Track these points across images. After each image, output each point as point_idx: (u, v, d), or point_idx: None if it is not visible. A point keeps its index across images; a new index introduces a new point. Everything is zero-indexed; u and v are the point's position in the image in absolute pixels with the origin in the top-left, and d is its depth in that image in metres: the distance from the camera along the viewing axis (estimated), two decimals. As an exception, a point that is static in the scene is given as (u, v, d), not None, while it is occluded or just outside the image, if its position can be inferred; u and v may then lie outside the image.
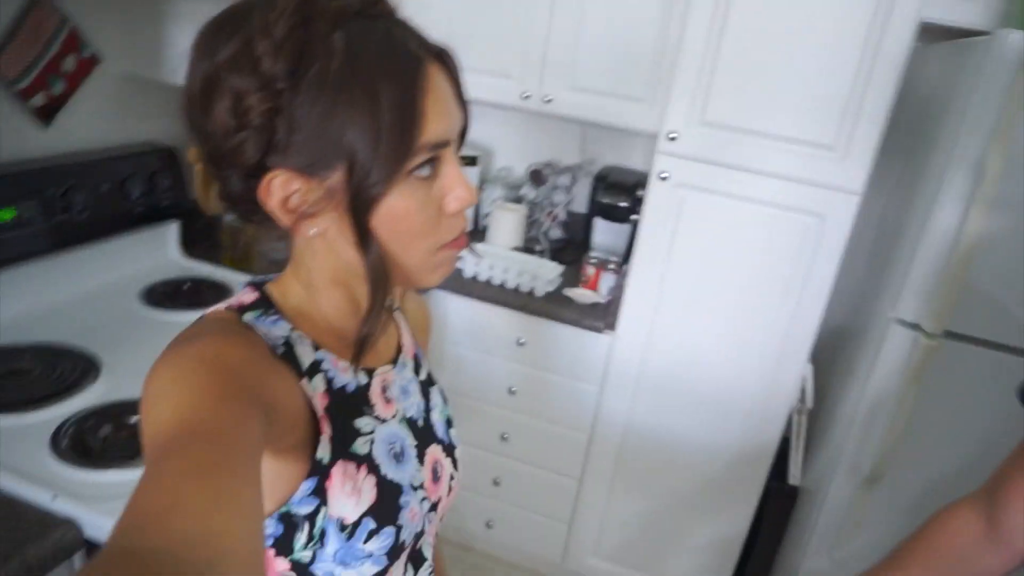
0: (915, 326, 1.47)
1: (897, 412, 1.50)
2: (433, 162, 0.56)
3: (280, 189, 0.54)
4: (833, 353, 1.90)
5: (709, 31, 1.57)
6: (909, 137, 1.68)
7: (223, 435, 0.43)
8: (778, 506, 1.88)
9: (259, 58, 0.50)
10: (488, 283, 1.95)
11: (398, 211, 0.55)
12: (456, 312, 1.95)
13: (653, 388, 1.87)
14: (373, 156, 0.52)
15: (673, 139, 1.66)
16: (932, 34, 1.74)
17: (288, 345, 0.59)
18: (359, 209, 0.54)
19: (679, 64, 1.61)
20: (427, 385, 0.77)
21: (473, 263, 1.96)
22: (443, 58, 0.57)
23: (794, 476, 1.86)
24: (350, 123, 0.51)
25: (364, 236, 0.55)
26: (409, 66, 0.53)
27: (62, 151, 1.55)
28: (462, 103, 0.59)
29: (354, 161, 0.52)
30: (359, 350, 0.59)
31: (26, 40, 1.41)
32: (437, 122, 0.54)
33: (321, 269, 0.61)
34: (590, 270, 1.99)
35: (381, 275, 0.57)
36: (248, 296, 0.61)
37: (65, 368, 1.21)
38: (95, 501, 0.92)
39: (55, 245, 1.43)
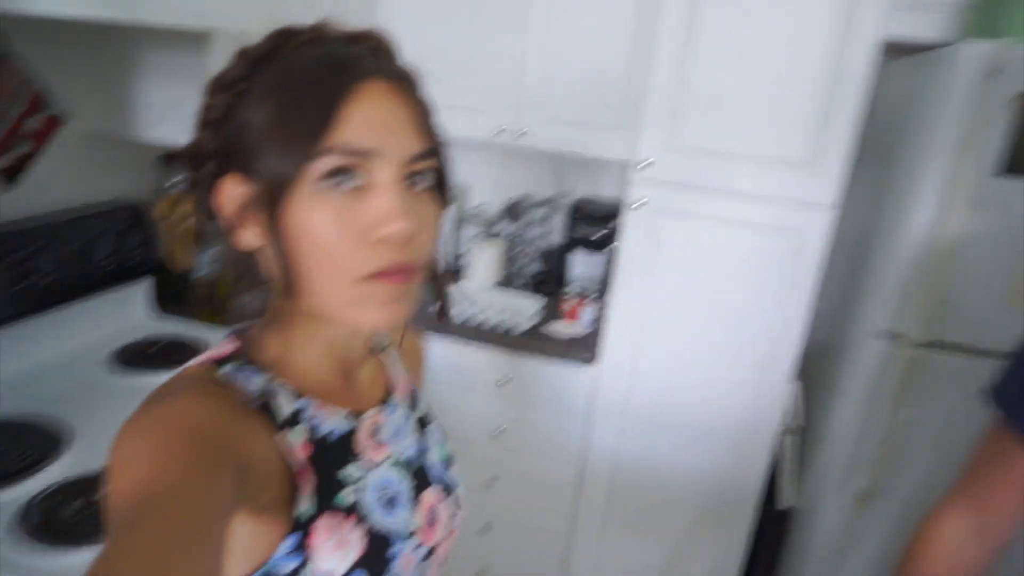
0: (896, 336, 1.47)
1: (884, 424, 1.49)
2: (354, 175, 0.53)
3: (227, 194, 0.56)
4: (817, 370, 1.89)
5: (677, 57, 1.58)
6: (880, 150, 1.70)
7: (188, 502, 0.42)
8: (772, 530, 1.85)
9: (231, 66, 0.56)
10: (466, 322, 1.92)
11: (305, 221, 0.52)
12: (436, 353, 1.92)
13: (640, 418, 1.84)
14: (279, 149, 0.52)
15: (647, 166, 1.66)
16: (896, 49, 1.78)
17: (264, 397, 0.57)
18: (266, 207, 0.53)
19: (650, 90, 1.63)
20: (424, 423, 0.75)
21: (455, 303, 1.94)
22: (404, 83, 0.56)
23: (786, 499, 1.83)
24: (268, 120, 0.53)
25: (274, 241, 0.53)
26: (342, 76, 0.53)
27: (27, 212, 1.51)
28: (424, 132, 0.57)
29: (264, 155, 0.52)
30: None
31: (-13, 103, 1.38)
32: (358, 130, 0.52)
33: (292, 310, 0.59)
34: (570, 302, 1.97)
35: (291, 285, 0.55)
36: (226, 347, 0.59)
37: (32, 441, 1.16)
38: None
39: (21, 312, 1.38)
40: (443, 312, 0.67)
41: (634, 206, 1.69)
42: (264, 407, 0.56)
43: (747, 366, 1.73)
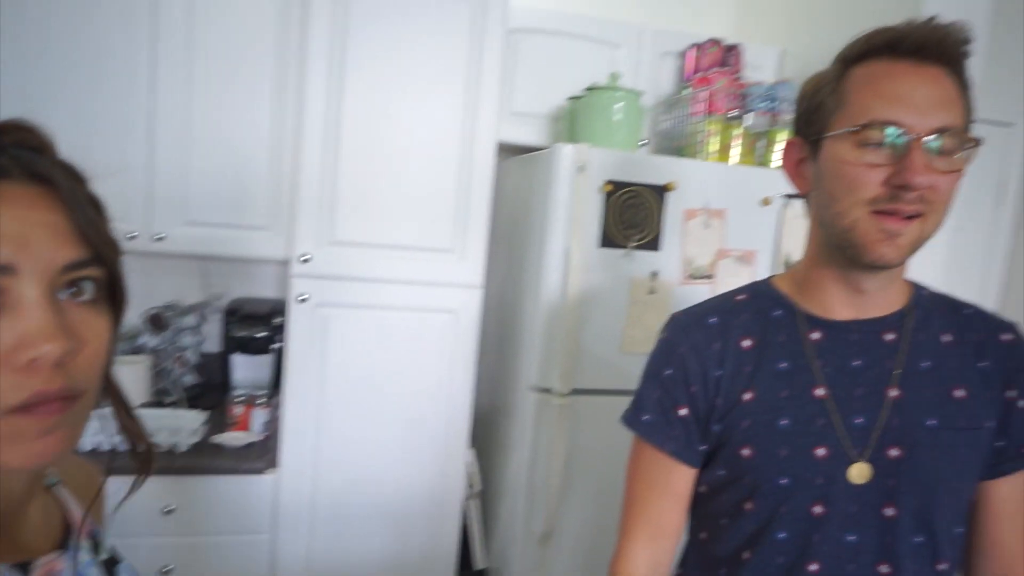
0: (548, 390, 1.69)
1: (549, 469, 1.69)
2: None
3: None
4: (489, 433, 2.06)
5: (323, 156, 1.65)
6: (509, 233, 1.98)
7: None
8: (473, 596, 1.92)
9: None
10: (113, 451, 1.66)
11: None
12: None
13: (329, 518, 1.78)
14: None
15: (306, 261, 1.68)
16: (509, 150, 2.11)
17: None
18: None
19: (300, 188, 1.66)
20: (111, 565, 0.63)
21: (91, 432, 1.66)
22: (51, 184, 0.50)
23: (480, 560, 1.93)
24: None
25: None
26: None
27: None
28: (82, 238, 0.51)
29: None
30: None
31: None
32: None
33: None
34: (237, 409, 1.84)
35: None
36: None
37: None
38: None
39: None
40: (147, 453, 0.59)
41: (298, 300, 1.68)
42: None
43: (427, 442, 1.81)
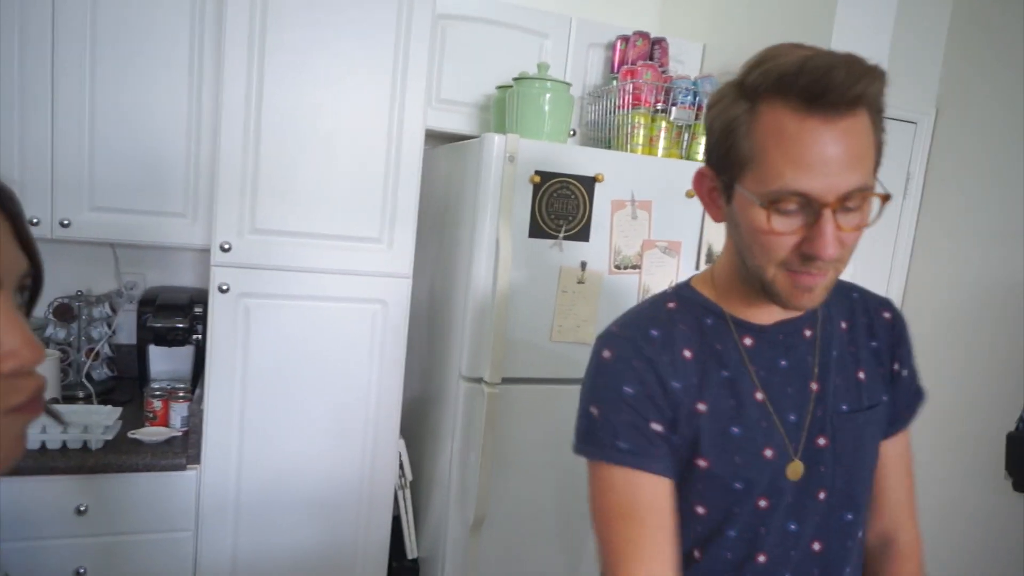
0: (478, 379, 1.70)
1: (481, 457, 1.70)
2: None
3: None
4: (420, 423, 2.05)
5: (244, 141, 1.59)
6: (438, 222, 1.96)
7: None
8: (404, 584, 1.93)
9: None
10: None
11: None
12: (-20, 499, 1.52)
13: (256, 512, 1.74)
14: None
15: (227, 250, 1.62)
16: (437, 137, 2.09)
17: None
18: None
19: (219, 175, 1.59)
20: None
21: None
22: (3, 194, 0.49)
23: (411, 550, 1.93)
24: None
25: None
26: None
27: None
28: (23, 247, 0.50)
29: None
30: None
31: None
32: None
33: None
34: (156, 403, 1.77)
35: None
36: None
37: None
38: None
39: None
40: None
41: (219, 290, 1.62)
42: None
43: (356, 433, 1.79)
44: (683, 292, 0.89)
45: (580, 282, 1.70)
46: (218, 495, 1.70)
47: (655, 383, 0.80)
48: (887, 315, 0.90)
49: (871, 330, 0.89)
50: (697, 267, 1.79)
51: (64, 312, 1.91)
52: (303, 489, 1.77)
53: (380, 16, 1.65)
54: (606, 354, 0.84)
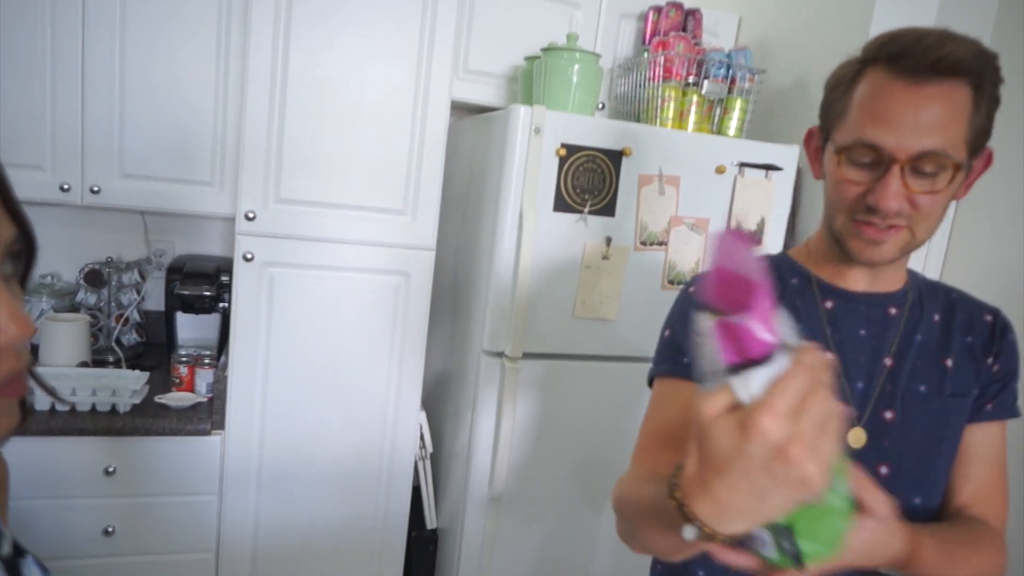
0: (500, 354, 1.69)
1: (500, 432, 1.70)
2: None
3: None
4: (441, 396, 2.06)
5: (270, 112, 1.59)
6: (462, 195, 1.95)
7: None
8: (422, 553, 1.95)
9: None
10: (53, 411, 1.61)
11: None
12: (15, 459, 1.56)
13: (278, 479, 1.77)
14: None
15: (252, 219, 1.62)
16: (463, 109, 2.07)
17: None
18: None
19: (245, 145, 1.59)
20: (14, 561, 0.59)
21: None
22: None
23: (430, 520, 1.95)
24: None
25: None
26: None
27: None
28: (9, 213, 0.48)
29: None
30: None
31: None
32: None
33: None
34: (182, 370, 1.80)
35: None
36: None
37: None
38: None
39: None
40: (25, 409, 0.55)
41: (244, 258, 1.63)
42: None
43: (376, 404, 1.80)
44: (776, 255, 0.94)
45: (605, 258, 1.67)
46: (241, 461, 1.73)
47: None
48: (988, 317, 0.90)
49: (969, 326, 0.89)
50: (725, 245, 1.75)
51: (94, 278, 1.94)
52: (324, 458, 1.79)
53: (407, -16, 1.63)
54: (691, 288, 0.92)
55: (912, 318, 0.87)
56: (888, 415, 0.84)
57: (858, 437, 0.83)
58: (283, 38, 1.57)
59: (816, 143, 0.87)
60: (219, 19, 1.76)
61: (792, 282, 0.89)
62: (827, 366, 0.48)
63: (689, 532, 0.52)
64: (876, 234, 0.77)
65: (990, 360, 0.88)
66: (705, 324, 0.49)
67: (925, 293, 0.90)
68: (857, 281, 0.87)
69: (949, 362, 0.86)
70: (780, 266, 0.91)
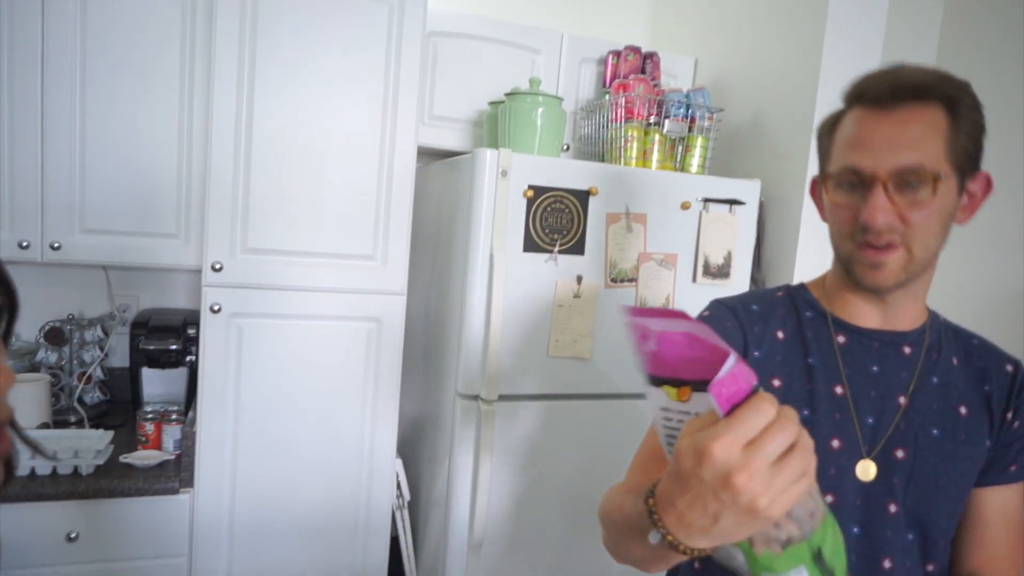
0: (475, 397, 1.68)
1: (478, 477, 1.67)
2: None
3: None
4: (417, 442, 2.03)
5: (235, 160, 1.59)
6: (432, 239, 1.95)
7: None
8: (403, 608, 1.89)
9: None
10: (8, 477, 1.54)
11: None
12: (-32, 528, 1.49)
13: (250, 536, 1.71)
14: None
15: (219, 270, 1.60)
16: (432, 155, 2.09)
17: None
18: None
19: (211, 194, 1.58)
20: None
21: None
22: None
23: (410, 571, 1.90)
24: None
25: None
26: None
27: None
28: None
29: None
30: None
31: None
32: None
33: None
34: (148, 427, 1.75)
35: None
36: None
37: None
38: None
39: None
40: (8, 468, 0.53)
41: (211, 310, 1.61)
42: None
43: (352, 454, 1.76)
44: (793, 287, 0.97)
45: (576, 296, 1.68)
46: (212, 519, 1.67)
47: (739, 346, 0.88)
48: (1009, 367, 0.89)
49: (986, 374, 0.89)
50: (694, 279, 1.78)
51: (55, 336, 1.89)
52: (298, 511, 1.74)
53: (370, 33, 1.65)
54: (706, 313, 0.93)
55: (930, 359, 0.88)
56: (900, 454, 0.84)
57: (866, 470, 0.84)
58: (247, 86, 1.58)
59: (817, 189, 0.91)
60: (182, 68, 1.76)
61: (806, 315, 0.91)
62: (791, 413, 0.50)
63: (654, 536, 0.56)
64: (875, 255, 0.79)
65: (1010, 415, 0.87)
66: (671, 399, 0.52)
67: (945, 336, 0.90)
68: (870, 317, 0.88)
69: (963, 409, 0.86)
70: (795, 299, 0.94)
